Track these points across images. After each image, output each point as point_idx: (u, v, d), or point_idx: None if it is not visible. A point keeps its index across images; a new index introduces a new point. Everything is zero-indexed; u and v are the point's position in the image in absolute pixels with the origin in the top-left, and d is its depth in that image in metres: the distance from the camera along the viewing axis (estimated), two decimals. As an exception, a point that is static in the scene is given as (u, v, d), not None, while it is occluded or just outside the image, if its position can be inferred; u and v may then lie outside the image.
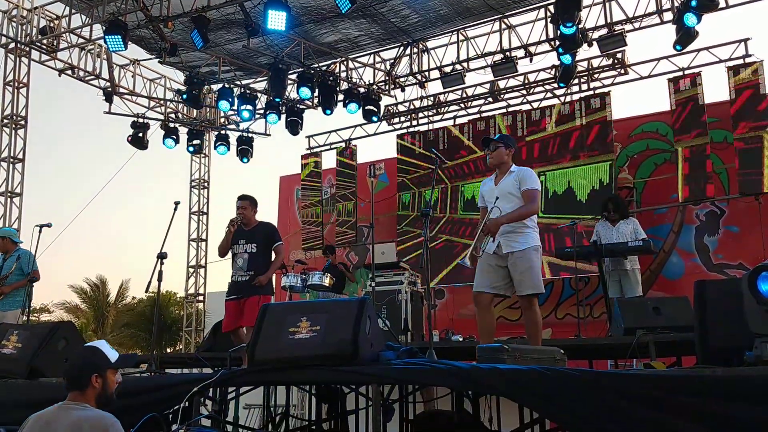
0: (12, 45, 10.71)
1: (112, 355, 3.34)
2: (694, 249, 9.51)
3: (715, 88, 9.58)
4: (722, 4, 8.61)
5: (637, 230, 7.38)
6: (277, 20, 8.15)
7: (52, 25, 10.64)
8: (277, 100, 10.73)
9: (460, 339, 7.45)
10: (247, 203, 6.33)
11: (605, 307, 7.47)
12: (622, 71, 10.49)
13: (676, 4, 8.74)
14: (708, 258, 9.39)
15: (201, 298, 13.64)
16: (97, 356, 3.27)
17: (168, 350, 21.93)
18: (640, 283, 7.38)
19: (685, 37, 8.54)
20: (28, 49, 10.76)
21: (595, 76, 10.70)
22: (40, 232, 6.75)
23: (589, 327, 8.14)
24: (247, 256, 6.19)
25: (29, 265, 7.38)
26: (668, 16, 8.98)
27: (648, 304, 5.56)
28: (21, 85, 10.83)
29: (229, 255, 6.41)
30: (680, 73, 9.60)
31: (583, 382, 3.21)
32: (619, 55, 10.30)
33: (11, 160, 10.61)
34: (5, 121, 10.69)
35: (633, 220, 7.56)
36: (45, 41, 10.62)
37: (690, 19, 8.12)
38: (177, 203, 6.01)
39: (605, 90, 10.31)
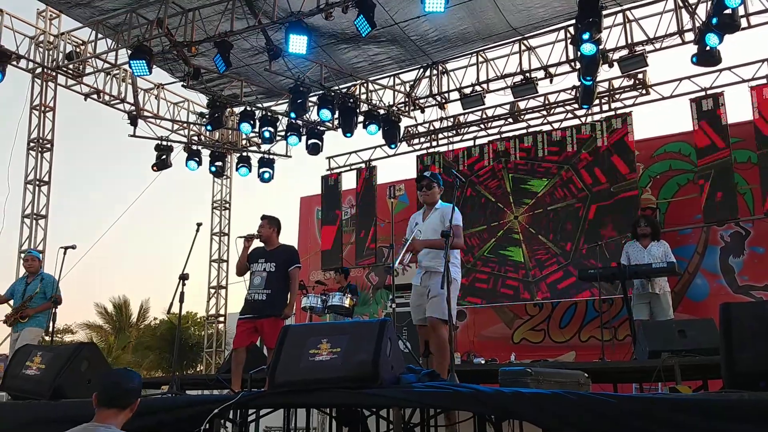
0: (39, 70, 10.94)
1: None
2: (719, 270, 9.36)
3: (739, 108, 9.51)
4: (744, 24, 8.56)
5: (668, 254, 7.26)
6: (298, 44, 8.25)
7: (78, 50, 10.85)
8: (293, 115, 10.67)
9: (482, 361, 7.39)
10: (266, 222, 6.37)
11: (630, 330, 7.37)
12: (644, 92, 10.43)
13: (697, 24, 8.70)
14: (733, 279, 9.24)
15: (222, 319, 13.69)
16: (140, 381, 3.36)
17: (188, 371, 21.99)
18: (671, 306, 7.26)
19: (708, 57, 8.47)
20: (54, 74, 10.98)
21: (617, 96, 10.65)
22: (65, 254, 6.84)
23: (613, 350, 8.03)
24: (266, 274, 6.18)
25: (53, 288, 7.47)
26: (690, 36, 8.94)
27: (673, 327, 5.48)
28: (47, 109, 11.05)
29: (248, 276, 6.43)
30: (702, 93, 9.53)
31: (608, 407, 3.16)
32: (640, 76, 10.25)
33: (37, 182, 10.80)
34: (32, 144, 10.90)
35: (664, 243, 7.45)
36: (71, 66, 10.83)
37: (712, 39, 8.07)
38: (199, 225, 6.07)
39: (627, 110, 10.26)
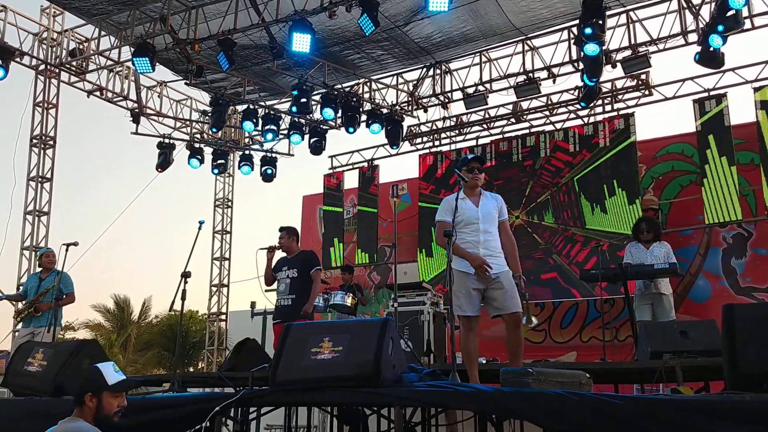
0: (42, 67, 10.94)
1: (113, 378, 3.41)
2: (721, 272, 9.36)
3: (741, 109, 9.50)
4: (748, 25, 8.55)
5: (669, 254, 7.23)
6: (301, 43, 8.24)
7: (81, 47, 10.86)
8: (294, 109, 10.53)
9: (484, 361, 7.36)
10: (285, 233, 6.88)
11: (631, 331, 7.36)
12: (647, 92, 10.43)
13: (701, 25, 8.69)
14: (735, 281, 9.24)
15: (223, 317, 13.69)
16: (94, 377, 3.40)
17: (190, 369, 21.99)
18: (673, 307, 7.25)
19: (711, 59, 8.45)
20: (57, 70, 10.98)
21: (619, 97, 10.65)
22: (66, 250, 6.82)
23: (614, 350, 8.03)
24: (289, 281, 6.69)
25: (67, 286, 7.47)
26: (693, 37, 8.93)
27: (675, 328, 5.46)
28: (50, 106, 11.05)
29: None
30: (705, 94, 9.52)
31: (610, 407, 3.15)
32: (643, 77, 10.25)
33: (39, 179, 10.80)
34: (34, 141, 10.90)
35: (666, 244, 7.42)
36: (74, 63, 10.84)
37: (715, 40, 8.06)
38: (201, 222, 6.05)
39: (629, 111, 10.25)
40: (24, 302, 7.71)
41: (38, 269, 8.11)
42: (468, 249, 4.86)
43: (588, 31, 8.05)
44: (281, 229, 6.92)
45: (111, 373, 3.44)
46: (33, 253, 10.36)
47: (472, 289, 4.85)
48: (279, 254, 6.91)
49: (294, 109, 10.46)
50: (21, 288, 8.50)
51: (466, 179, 4.98)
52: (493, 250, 4.91)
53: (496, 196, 5.16)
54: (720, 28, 7.87)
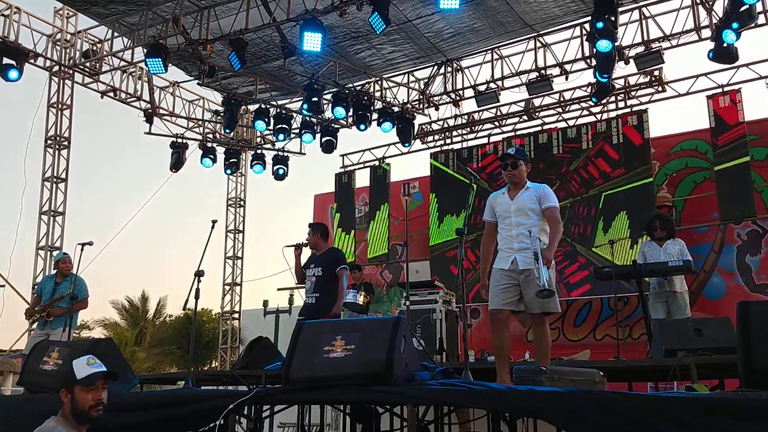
0: (56, 68, 11.02)
1: (83, 371, 3.37)
2: (736, 269, 9.28)
3: (756, 105, 9.42)
4: (762, 20, 8.48)
5: (684, 252, 7.17)
6: (312, 42, 8.25)
7: (94, 48, 10.94)
8: (305, 107, 10.48)
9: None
10: (310, 230, 6.89)
11: (645, 328, 7.32)
12: (660, 89, 10.36)
13: (714, 21, 8.63)
14: (750, 278, 9.17)
15: (236, 315, 13.75)
16: (66, 372, 3.41)
17: (203, 367, 22.11)
18: (688, 305, 7.19)
19: (725, 54, 8.38)
20: (71, 71, 11.06)
21: (632, 93, 10.58)
22: (82, 250, 6.86)
23: (628, 348, 7.99)
24: (315, 279, 6.66)
25: (83, 292, 7.52)
26: (706, 33, 8.86)
27: (689, 325, 5.43)
28: (64, 106, 11.13)
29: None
30: (719, 90, 9.45)
31: (624, 405, 3.14)
32: (656, 73, 10.18)
33: (54, 179, 10.89)
34: (49, 141, 10.98)
35: (680, 241, 7.37)
36: (88, 64, 10.92)
37: (729, 35, 7.99)
38: (214, 222, 6.07)
39: (642, 108, 10.19)
40: (38, 305, 7.75)
41: (53, 270, 8.16)
42: (503, 245, 4.91)
43: (600, 27, 8.01)
44: (309, 226, 6.94)
45: (83, 366, 3.39)
46: (48, 253, 10.45)
47: (506, 284, 4.80)
48: (308, 251, 6.90)
49: (305, 108, 10.48)
50: (36, 288, 8.55)
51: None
52: (529, 242, 4.79)
53: (539, 186, 5.00)
54: (734, 25, 7.81)
